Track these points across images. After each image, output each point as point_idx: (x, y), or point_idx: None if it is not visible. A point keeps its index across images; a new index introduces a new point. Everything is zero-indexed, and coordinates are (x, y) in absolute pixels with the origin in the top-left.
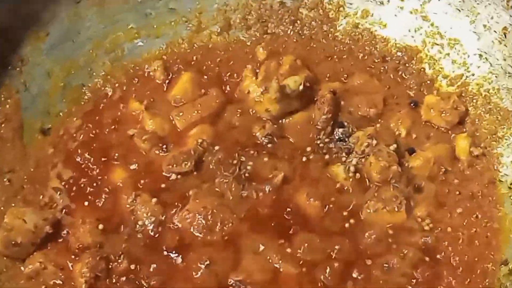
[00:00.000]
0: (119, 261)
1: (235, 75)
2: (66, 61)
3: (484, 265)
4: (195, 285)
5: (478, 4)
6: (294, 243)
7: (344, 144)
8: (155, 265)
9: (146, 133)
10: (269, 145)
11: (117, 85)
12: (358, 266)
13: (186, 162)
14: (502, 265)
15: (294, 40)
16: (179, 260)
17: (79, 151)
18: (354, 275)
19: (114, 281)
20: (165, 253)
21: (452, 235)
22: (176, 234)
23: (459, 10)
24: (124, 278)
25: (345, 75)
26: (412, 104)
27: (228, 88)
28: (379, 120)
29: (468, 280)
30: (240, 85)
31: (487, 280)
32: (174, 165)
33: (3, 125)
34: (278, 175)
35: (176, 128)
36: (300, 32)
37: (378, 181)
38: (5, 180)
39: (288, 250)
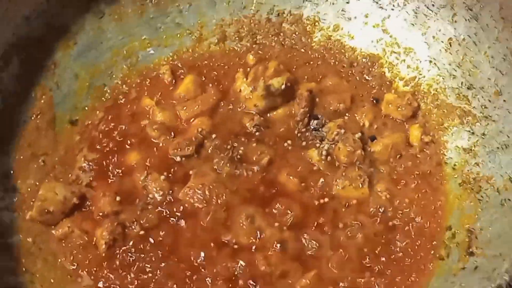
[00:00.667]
0: (133, 226)
1: (229, 77)
2: (91, 66)
3: (432, 230)
4: (196, 243)
5: (428, 19)
6: (278, 211)
7: (318, 132)
8: (163, 230)
9: (156, 123)
10: (257, 134)
11: (132, 85)
12: (329, 226)
13: (188, 147)
14: (447, 230)
15: (278, 49)
16: (183, 224)
17: (101, 138)
18: (326, 230)
19: (130, 243)
20: (171, 219)
21: (406, 206)
22: (180, 205)
23: (413, 25)
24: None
25: (320, 77)
26: (374, 101)
27: (223, 88)
28: (347, 113)
29: (419, 242)
30: (233, 85)
31: (434, 242)
32: (179, 150)
33: (38, 117)
34: (264, 158)
35: (180, 119)
36: (283, 42)
37: (346, 163)
38: (40, 161)
39: (273, 217)
